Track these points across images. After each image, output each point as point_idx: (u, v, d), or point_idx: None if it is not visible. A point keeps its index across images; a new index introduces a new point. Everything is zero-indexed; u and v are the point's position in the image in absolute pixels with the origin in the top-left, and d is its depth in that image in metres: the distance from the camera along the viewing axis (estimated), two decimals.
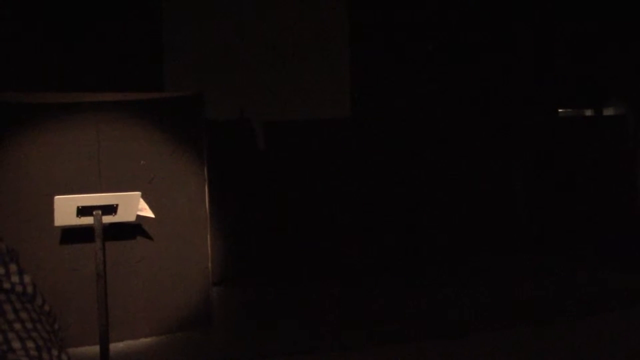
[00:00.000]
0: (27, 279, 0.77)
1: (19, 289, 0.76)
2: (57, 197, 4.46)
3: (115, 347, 5.29)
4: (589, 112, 10.11)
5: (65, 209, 4.36)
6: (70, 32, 7.07)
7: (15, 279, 0.76)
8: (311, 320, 6.26)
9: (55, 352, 0.74)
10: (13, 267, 0.77)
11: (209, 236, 5.97)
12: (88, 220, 4.41)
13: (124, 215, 4.56)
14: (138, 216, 4.81)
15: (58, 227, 4.86)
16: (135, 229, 5.48)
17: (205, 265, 5.94)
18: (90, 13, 7.22)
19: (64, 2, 7.14)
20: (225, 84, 7.78)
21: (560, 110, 9.94)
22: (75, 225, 4.63)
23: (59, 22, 7.06)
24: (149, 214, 4.95)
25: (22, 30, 6.84)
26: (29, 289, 0.77)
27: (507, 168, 8.87)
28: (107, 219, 4.50)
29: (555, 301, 6.65)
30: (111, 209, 4.47)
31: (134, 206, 4.62)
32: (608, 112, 9.89)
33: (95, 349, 4.88)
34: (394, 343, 5.52)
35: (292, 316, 6.40)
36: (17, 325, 0.73)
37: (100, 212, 4.38)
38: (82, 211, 4.37)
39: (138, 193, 4.65)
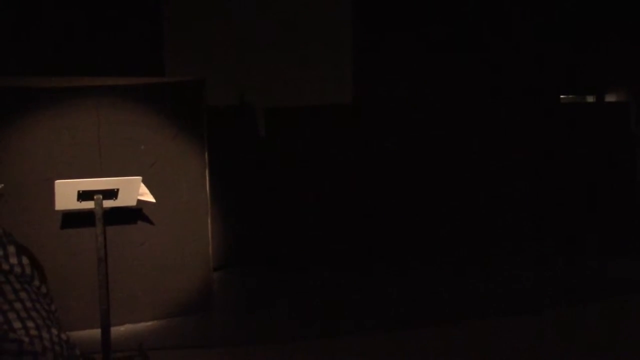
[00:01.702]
0: (25, 260, 0.78)
1: (17, 270, 0.77)
2: (57, 181, 4.47)
3: (117, 330, 5.33)
4: (590, 99, 10.08)
5: (66, 193, 4.37)
6: (71, 17, 7.05)
7: (13, 260, 0.77)
8: (311, 306, 6.29)
9: (55, 332, 0.75)
10: (11, 249, 0.78)
11: (209, 221, 5.98)
12: (89, 204, 4.42)
13: (124, 199, 4.57)
14: (139, 201, 4.82)
15: (59, 211, 4.88)
16: (136, 213, 5.50)
17: (205, 250, 5.96)
18: None
19: None
20: (226, 70, 7.76)
21: (562, 96, 9.92)
22: (76, 210, 4.65)
23: (60, 7, 7.04)
24: (150, 198, 4.95)
25: (23, 16, 6.82)
26: (27, 270, 0.78)
27: (508, 155, 8.86)
28: (108, 204, 4.51)
29: (556, 290, 6.67)
30: (112, 194, 4.48)
31: (135, 191, 4.62)
32: (610, 98, 9.86)
33: (97, 332, 4.91)
34: (395, 330, 5.56)
35: (292, 302, 6.43)
36: (17, 305, 0.74)
37: (101, 196, 4.39)
38: (83, 195, 4.38)
39: (139, 178, 4.66)
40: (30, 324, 0.73)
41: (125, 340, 5.24)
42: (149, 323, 5.68)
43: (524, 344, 5.09)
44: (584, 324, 5.51)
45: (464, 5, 8.71)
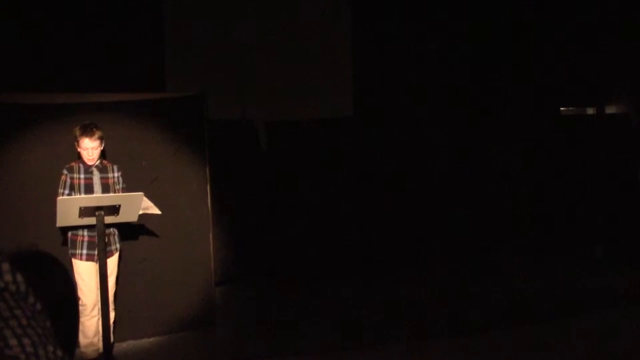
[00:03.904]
0: (19, 277, 0.78)
1: (12, 287, 0.77)
2: (59, 197, 4.47)
3: (119, 347, 5.31)
4: (591, 111, 10.07)
5: (68, 209, 4.36)
6: (71, 32, 7.08)
7: (8, 277, 0.77)
8: (314, 319, 6.27)
9: (50, 348, 0.74)
10: (5, 266, 0.78)
11: (211, 236, 5.98)
12: (90, 220, 4.41)
13: (126, 215, 4.56)
14: (142, 215, 4.82)
15: (60, 227, 4.87)
16: (137, 229, 5.49)
17: (207, 265, 5.95)
18: (92, 12, 7.23)
19: (66, 1, 7.15)
20: (227, 84, 7.78)
21: (562, 108, 9.92)
22: (78, 226, 4.64)
23: (60, 21, 7.07)
24: (155, 211, 4.92)
25: (23, 30, 6.84)
26: (22, 287, 0.78)
27: (508, 166, 8.86)
28: (110, 220, 4.50)
29: (556, 300, 6.65)
30: (113, 210, 4.47)
31: (137, 207, 4.62)
32: (610, 110, 9.85)
33: None
34: (398, 342, 5.53)
35: (295, 316, 6.41)
36: (13, 322, 0.74)
37: (102, 212, 4.39)
38: (85, 212, 4.37)
39: (140, 193, 4.66)
40: (26, 340, 0.73)
41: (127, 357, 5.22)
42: (152, 339, 5.66)
43: (527, 355, 5.06)
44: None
45: (463, 17, 8.74)
